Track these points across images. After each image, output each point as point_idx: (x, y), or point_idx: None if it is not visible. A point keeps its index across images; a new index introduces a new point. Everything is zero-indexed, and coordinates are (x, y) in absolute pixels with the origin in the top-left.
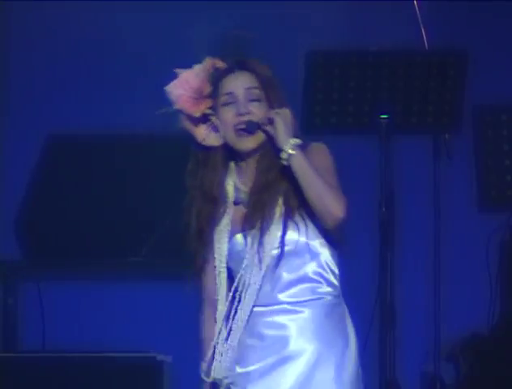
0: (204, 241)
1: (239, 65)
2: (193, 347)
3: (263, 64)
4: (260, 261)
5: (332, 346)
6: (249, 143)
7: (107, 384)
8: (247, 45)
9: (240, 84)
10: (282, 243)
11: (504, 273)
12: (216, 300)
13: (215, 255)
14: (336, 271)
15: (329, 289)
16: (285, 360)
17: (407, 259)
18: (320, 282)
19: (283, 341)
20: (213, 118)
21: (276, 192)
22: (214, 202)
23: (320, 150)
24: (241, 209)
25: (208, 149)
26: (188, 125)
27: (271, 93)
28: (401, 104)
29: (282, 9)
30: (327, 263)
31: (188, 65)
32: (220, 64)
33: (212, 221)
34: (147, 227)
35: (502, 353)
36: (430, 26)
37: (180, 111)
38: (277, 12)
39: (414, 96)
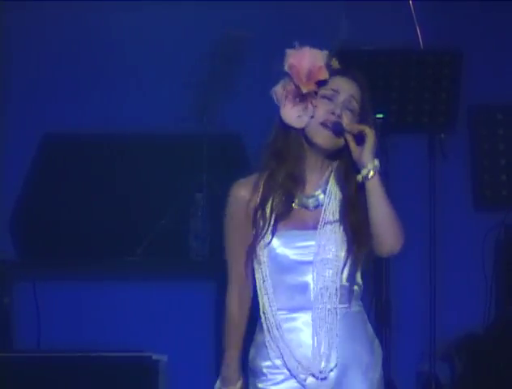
0: (271, 220)
1: (352, 73)
2: (188, 346)
3: (367, 83)
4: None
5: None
6: (325, 141)
7: (102, 383)
8: (246, 45)
9: (347, 88)
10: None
11: (499, 272)
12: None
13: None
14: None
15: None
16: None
17: (402, 259)
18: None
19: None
20: (312, 102)
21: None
22: (295, 182)
23: None
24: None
25: (289, 129)
26: (283, 95)
27: (367, 111)
28: (396, 103)
29: (279, 9)
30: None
31: (187, 64)
32: (336, 64)
33: (292, 199)
34: (143, 227)
35: (498, 353)
36: (425, 25)
37: (290, 77)
38: (274, 12)
39: (409, 95)
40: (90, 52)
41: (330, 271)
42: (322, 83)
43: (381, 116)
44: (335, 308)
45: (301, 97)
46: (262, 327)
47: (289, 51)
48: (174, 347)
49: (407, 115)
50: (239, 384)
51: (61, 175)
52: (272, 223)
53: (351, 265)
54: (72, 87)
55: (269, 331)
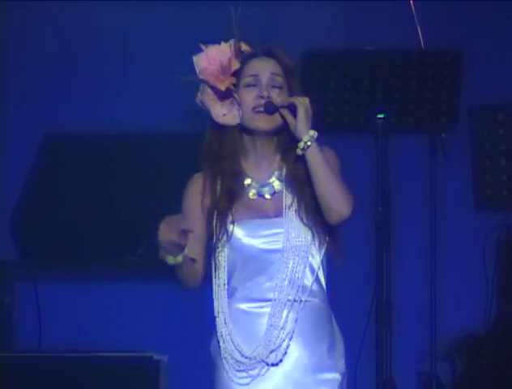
0: (222, 216)
1: (265, 51)
2: (188, 346)
3: (285, 53)
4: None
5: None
6: (264, 123)
7: (103, 384)
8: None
9: (265, 68)
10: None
11: (500, 273)
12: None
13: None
14: (323, 275)
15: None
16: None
17: (403, 259)
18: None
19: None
20: (235, 95)
21: (305, 183)
22: (235, 178)
23: (329, 154)
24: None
25: (224, 127)
26: (207, 99)
27: (293, 83)
28: (397, 103)
29: (279, 9)
30: (319, 267)
31: (185, 66)
32: (246, 47)
33: (233, 196)
34: (143, 226)
35: (499, 353)
36: (426, 25)
37: (205, 81)
38: (273, 12)
39: (410, 95)
40: (90, 52)
41: (297, 259)
42: (237, 73)
43: (382, 116)
44: (298, 299)
45: (224, 95)
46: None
47: (195, 57)
48: (175, 347)
49: (408, 115)
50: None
51: (62, 175)
52: (225, 218)
53: (318, 251)
54: (72, 87)
55: (225, 323)
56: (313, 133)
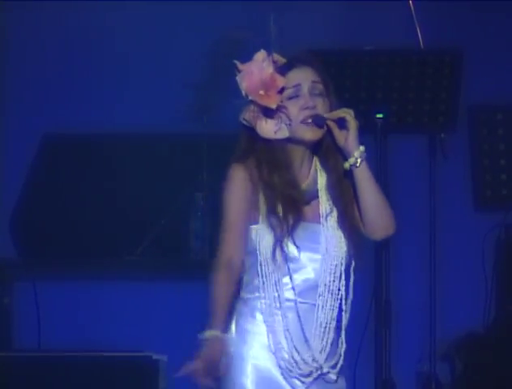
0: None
1: (300, 60)
2: (188, 346)
3: (318, 59)
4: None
5: None
6: (313, 135)
7: (102, 383)
8: (244, 45)
9: (305, 77)
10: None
11: (500, 272)
12: (238, 265)
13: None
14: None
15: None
16: None
17: (402, 259)
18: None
19: None
20: (284, 110)
21: (348, 188)
22: (292, 200)
23: None
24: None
25: (273, 144)
26: (252, 117)
27: (330, 89)
28: (396, 103)
29: (279, 9)
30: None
31: (186, 65)
32: (279, 58)
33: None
34: (143, 226)
35: (498, 353)
36: (425, 25)
37: (253, 102)
38: (273, 12)
39: (409, 95)
40: (89, 52)
41: (334, 266)
42: (282, 90)
43: (381, 116)
44: (332, 304)
45: (273, 112)
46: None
47: (238, 77)
48: (174, 347)
49: (408, 115)
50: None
51: (61, 175)
52: (294, 226)
53: (348, 260)
54: (72, 87)
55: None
56: (363, 149)
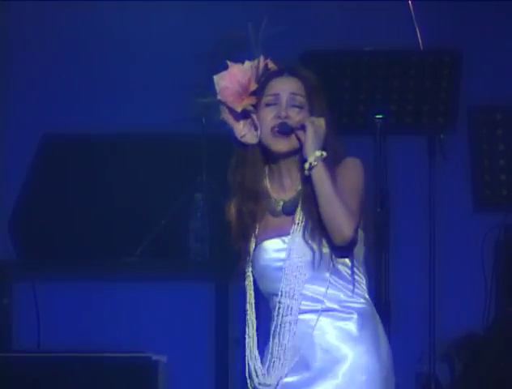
0: (248, 237)
1: (289, 70)
2: (187, 347)
3: (311, 72)
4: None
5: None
6: (281, 145)
7: (102, 384)
8: (244, 45)
9: (286, 88)
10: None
11: (499, 273)
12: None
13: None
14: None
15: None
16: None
17: (402, 259)
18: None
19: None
20: (253, 116)
21: (312, 202)
22: (255, 199)
23: (352, 166)
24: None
25: (246, 146)
26: (228, 118)
27: (315, 102)
28: (396, 104)
29: (278, 9)
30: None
31: (186, 65)
32: (272, 65)
33: (255, 218)
34: (142, 227)
35: (497, 353)
36: (425, 26)
37: (222, 103)
38: (273, 12)
39: (409, 96)
40: (89, 52)
41: (296, 277)
42: (259, 93)
43: (380, 116)
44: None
45: (241, 116)
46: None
47: (216, 76)
48: (174, 347)
49: (407, 116)
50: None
51: (61, 175)
52: (249, 241)
53: (317, 269)
54: (71, 87)
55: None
56: (319, 153)
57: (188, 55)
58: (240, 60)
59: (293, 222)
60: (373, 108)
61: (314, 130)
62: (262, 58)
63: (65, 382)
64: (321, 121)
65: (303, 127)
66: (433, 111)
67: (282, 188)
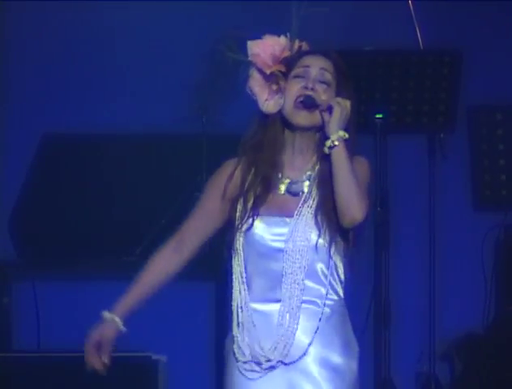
0: (236, 206)
1: (323, 51)
2: (188, 346)
3: (340, 58)
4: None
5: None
6: (302, 118)
7: (102, 383)
8: (244, 45)
9: (317, 63)
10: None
11: (499, 273)
12: (185, 248)
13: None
14: (342, 279)
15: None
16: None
17: (402, 259)
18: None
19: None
20: (281, 82)
21: (328, 184)
22: (273, 168)
23: (363, 163)
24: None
25: (268, 117)
26: (255, 85)
27: (342, 84)
28: (396, 103)
29: (278, 9)
30: (336, 270)
31: (186, 65)
32: (304, 45)
33: (269, 185)
34: (142, 226)
35: (497, 353)
36: (425, 26)
37: (252, 64)
38: (273, 12)
39: (409, 95)
40: (89, 52)
41: (300, 260)
42: (286, 62)
43: (380, 116)
44: (306, 300)
45: (269, 80)
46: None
47: (250, 42)
48: (174, 347)
49: (407, 115)
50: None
51: (61, 175)
52: (251, 208)
53: (323, 252)
54: (71, 87)
55: (238, 323)
56: (342, 133)
57: (188, 55)
58: (240, 60)
59: (298, 203)
60: (373, 107)
61: (340, 109)
62: (297, 41)
63: (65, 382)
64: (347, 103)
65: (329, 108)
66: (432, 111)
67: (291, 166)
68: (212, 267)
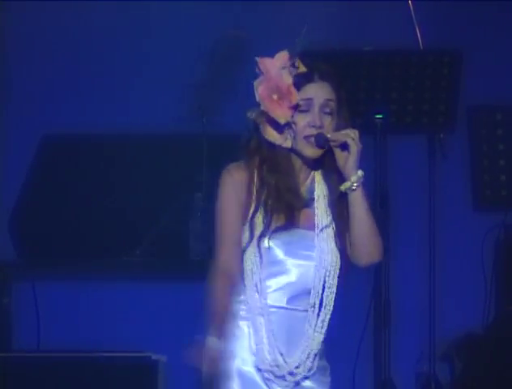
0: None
1: (319, 73)
2: (187, 346)
3: (336, 72)
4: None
5: None
6: (314, 152)
7: (102, 384)
8: (244, 45)
9: (320, 94)
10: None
11: (499, 273)
12: (236, 273)
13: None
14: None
15: None
16: None
17: (402, 259)
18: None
19: None
20: (293, 126)
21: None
22: (296, 194)
23: None
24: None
25: (277, 151)
26: (260, 120)
27: (342, 108)
28: (396, 103)
29: (278, 9)
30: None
31: (187, 65)
32: (303, 68)
33: (293, 208)
34: (142, 227)
35: (497, 353)
36: (425, 26)
37: (264, 113)
38: (273, 12)
39: (409, 95)
40: (89, 52)
41: (326, 276)
42: (296, 107)
43: (380, 116)
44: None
45: (280, 125)
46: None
47: (256, 82)
48: (173, 347)
49: (407, 115)
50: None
51: (61, 175)
52: (269, 224)
53: (335, 272)
54: (71, 87)
55: (249, 328)
56: (361, 174)
57: (188, 55)
58: (239, 59)
59: (310, 217)
60: (373, 107)
61: (357, 147)
62: (286, 53)
63: (64, 382)
64: (357, 135)
65: (343, 144)
66: (432, 111)
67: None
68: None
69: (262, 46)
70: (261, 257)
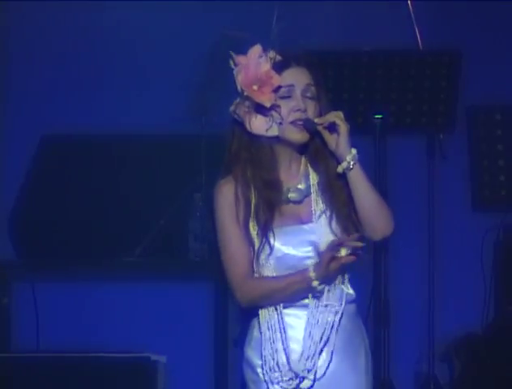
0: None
1: (295, 58)
2: (187, 347)
3: (312, 55)
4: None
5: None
6: (301, 136)
7: (101, 384)
8: (243, 45)
9: (300, 79)
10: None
11: (498, 273)
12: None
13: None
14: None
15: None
16: None
17: (401, 259)
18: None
19: None
20: (278, 109)
21: (341, 190)
22: (272, 187)
23: None
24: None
25: (261, 142)
26: (242, 111)
27: (321, 91)
28: (395, 104)
29: (278, 9)
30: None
31: (187, 65)
32: (274, 55)
33: (273, 207)
34: (142, 227)
35: (496, 353)
36: (424, 26)
37: (248, 98)
38: (272, 12)
39: (408, 96)
40: (89, 53)
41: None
42: (278, 89)
43: (379, 116)
44: (332, 306)
45: (265, 109)
46: (258, 324)
47: (235, 71)
48: (173, 347)
49: (406, 116)
50: None
51: (60, 176)
52: (264, 228)
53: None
54: (71, 88)
55: (268, 329)
56: (354, 151)
57: (188, 55)
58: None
59: (308, 209)
60: (373, 108)
61: (346, 127)
62: (259, 47)
63: (64, 382)
64: (342, 116)
65: (331, 127)
66: (432, 111)
67: (289, 174)
68: (212, 267)
69: (262, 46)
70: (275, 261)
